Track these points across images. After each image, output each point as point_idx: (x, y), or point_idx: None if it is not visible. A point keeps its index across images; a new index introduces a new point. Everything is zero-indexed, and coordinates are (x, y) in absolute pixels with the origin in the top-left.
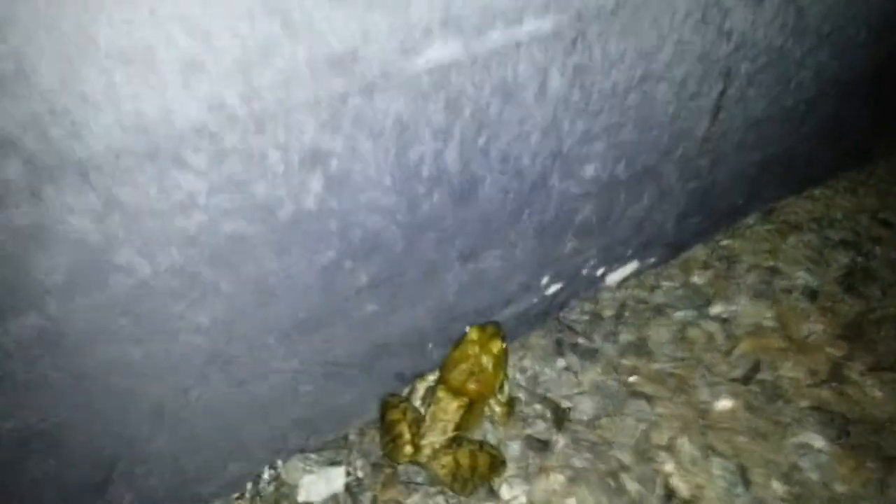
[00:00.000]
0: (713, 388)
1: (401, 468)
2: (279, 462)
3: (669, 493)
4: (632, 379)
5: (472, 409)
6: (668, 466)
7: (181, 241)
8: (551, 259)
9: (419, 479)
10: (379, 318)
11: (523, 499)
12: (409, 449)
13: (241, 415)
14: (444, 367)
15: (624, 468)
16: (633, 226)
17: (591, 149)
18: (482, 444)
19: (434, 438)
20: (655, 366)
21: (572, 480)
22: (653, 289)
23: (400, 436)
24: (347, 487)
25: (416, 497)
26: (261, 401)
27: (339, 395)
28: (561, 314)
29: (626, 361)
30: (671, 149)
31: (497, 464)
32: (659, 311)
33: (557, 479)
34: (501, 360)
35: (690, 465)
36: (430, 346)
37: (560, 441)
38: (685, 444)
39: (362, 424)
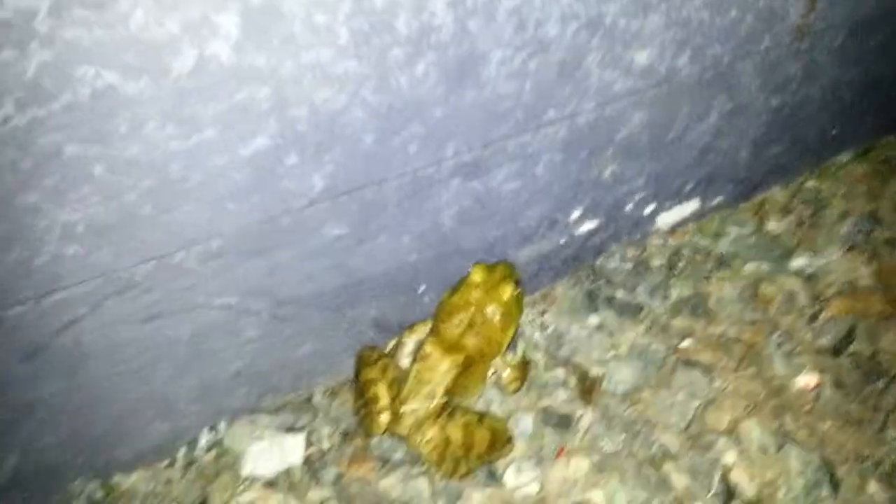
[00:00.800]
0: (792, 359)
1: (375, 441)
2: (221, 424)
3: (729, 491)
4: (684, 344)
5: (470, 370)
6: (729, 456)
7: None
8: (585, 185)
9: (397, 455)
10: (347, 245)
11: (533, 487)
12: (385, 417)
13: (158, 361)
14: (436, 315)
15: (669, 456)
16: (696, 151)
17: (645, 24)
18: (482, 417)
19: (417, 405)
20: (716, 329)
21: (599, 468)
22: (717, 236)
23: (375, 399)
24: (307, 461)
25: (391, 478)
26: (185, 344)
27: (299, 345)
28: (596, 261)
29: (678, 322)
30: (754, 38)
31: (501, 441)
32: (724, 262)
33: (580, 466)
34: (513, 311)
35: (759, 455)
36: (422, 288)
37: (587, 417)
38: (753, 429)
39: (334, 384)
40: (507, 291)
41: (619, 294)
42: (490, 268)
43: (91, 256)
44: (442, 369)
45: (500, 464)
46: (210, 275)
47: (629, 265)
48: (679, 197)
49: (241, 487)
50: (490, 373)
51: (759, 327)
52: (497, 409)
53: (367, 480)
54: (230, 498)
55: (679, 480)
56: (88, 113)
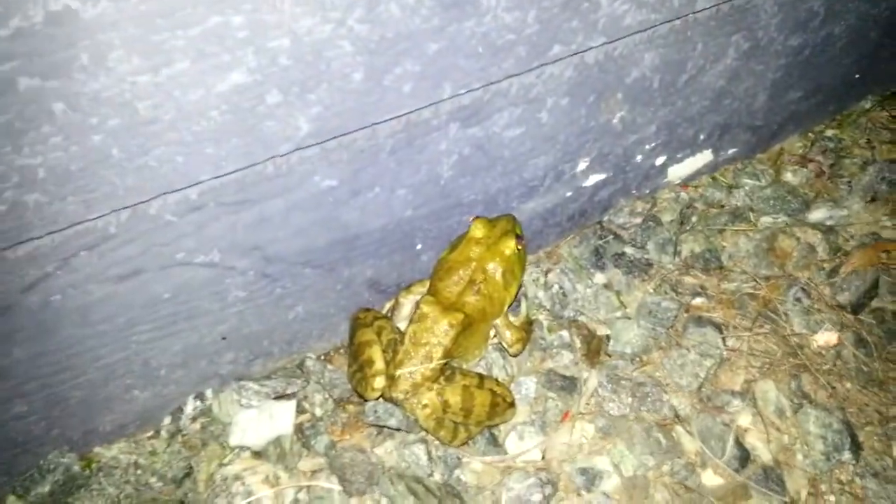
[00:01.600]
0: (810, 316)
1: (370, 406)
2: (208, 392)
3: (744, 456)
4: (696, 301)
5: (470, 330)
6: (744, 419)
7: None
8: (593, 133)
9: (392, 422)
10: (339, 197)
11: (536, 454)
12: (380, 381)
13: (136, 322)
14: (434, 272)
15: (680, 419)
16: (711, 96)
17: None
18: (482, 379)
19: (414, 367)
20: (730, 285)
21: (606, 433)
22: (731, 188)
23: (369, 363)
24: (298, 429)
25: (387, 445)
26: (166, 305)
27: (290, 307)
28: (604, 218)
29: (690, 278)
30: None
31: (502, 406)
32: (738, 215)
33: (586, 430)
34: (515, 267)
35: (776, 418)
36: (420, 245)
37: (592, 379)
38: (769, 390)
39: (329, 349)
40: (510, 246)
41: (628, 251)
42: (492, 222)
43: (56, 205)
44: (440, 330)
45: (502, 430)
46: (190, 228)
47: (638, 220)
48: (692, 147)
49: (229, 458)
50: (491, 334)
51: (775, 283)
52: (499, 372)
53: (362, 448)
54: (217, 469)
55: (690, 444)
56: (43, 41)
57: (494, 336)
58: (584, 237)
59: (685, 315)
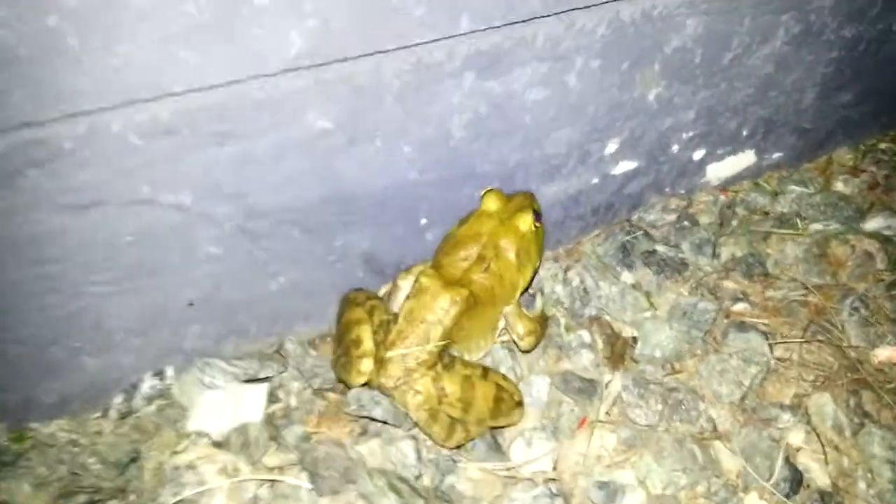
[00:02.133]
0: (870, 328)
1: (353, 394)
2: (169, 370)
3: (795, 478)
4: (738, 307)
5: (476, 313)
6: (796, 436)
7: None
8: (625, 108)
9: (377, 412)
10: (335, 144)
11: (546, 463)
12: (366, 363)
13: (90, 268)
14: (439, 248)
15: (718, 433)
16: (756, 84)
17: None
18: (487, 371)
19: (408, 349)
20: (776, 293)
21: (630, 444)
22: (776, 195)
23: (356, 342)
24: (269, 418)
25: (371, 444)
26: (125, 251)
27: (273, 275)
28: (634, 214)
29: (730, 283)
30: None
31: (508, 403)
32: (785, 221)
33: (606, 440)
34: (531, 248)
35: (834, 437)
36: (424, 220)
37: (616, 383)
38: (825, 405)
39: (315, 336)
40: (526, 221)
41: (660, 249)
42: (507, 196)
43: None
44: (440, 306)
45: (507, 435)
46: (159, 157)
47: (671, 217)
48: (734, 144)
49: (184, 445)
50: (500, 324)
51: (827, 292)
52: (506, 372)
53: (340, 443)
54: (169, 458)
55: (731, 462)
56: None
57: (503, 330)
58: (610, 234)
59: (724, 321)
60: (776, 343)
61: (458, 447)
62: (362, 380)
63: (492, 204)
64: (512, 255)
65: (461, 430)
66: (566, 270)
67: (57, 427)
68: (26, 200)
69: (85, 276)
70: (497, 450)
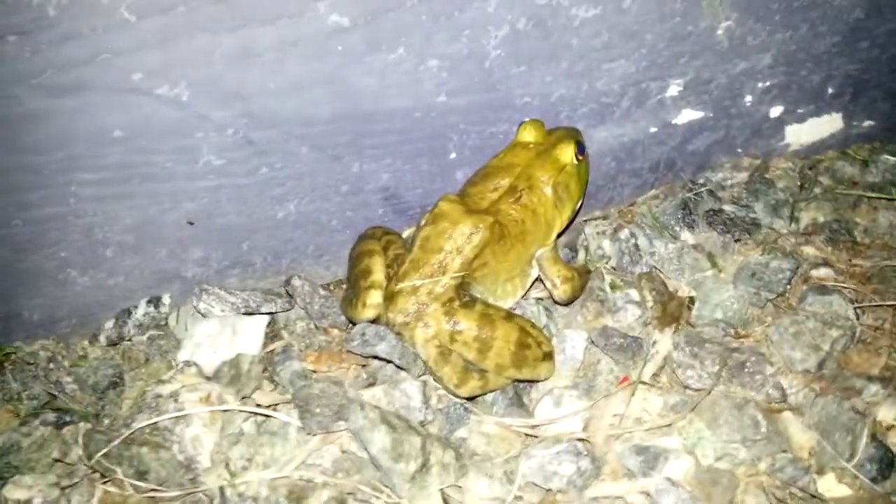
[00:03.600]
0: None
1: (357, 328)
2: (166, 298)
3: (885, 460)
4: (820, 272)
5: (502, 247)
6: (886, 412)
7: None
8: (690, 42)
9: (381, 347)
10: (352, 46)
11: (575, 423)
12: (375, 295)
13: (77, 163)
14: (469, 179)
15: (789, 404)
16: (843, 31)
17: None
18: (512, 315)
19: (421, 280)
20: (865, 262)
21: (678, 409)
22: (866, 164)
23: (366, 273)
24: (268, 355)
25: (375, 391)
26: (115, 148)
27: (281, 200)
28: (700, 177)
29: (811, 249)
30: None
31: (534, 351)
32: (877, 189)
33: (651, 403)
34: (572, 184)
35: None
36: (454, 155)
37: (665, 341)
38: None
39: (330, 280)
40: (567, 152)
41: (728, 208)
42: (548, 130)
43: None
44: (460, 234)
45: (533, 391)
46: (152, 37)
47: (742, 176)
48: (817, 103)
49: (170, 374)
50: (533, 272)
51: None
52: (539, 321)
53: (339, 382)
54: (151, 387)
55: (803, 437)
56: None
57: (537, 280)
58: (669, 191)
59: (803, 286)
60: (865, 307)
61: (474, 398)
62: (369, 314)
63: (529, 134)
64: (548, 189)
65: (478, 378)
66: (616, 229)
67: (40, 346)
68: (5, 73)
69: (68, 173)
70: (520, 406)
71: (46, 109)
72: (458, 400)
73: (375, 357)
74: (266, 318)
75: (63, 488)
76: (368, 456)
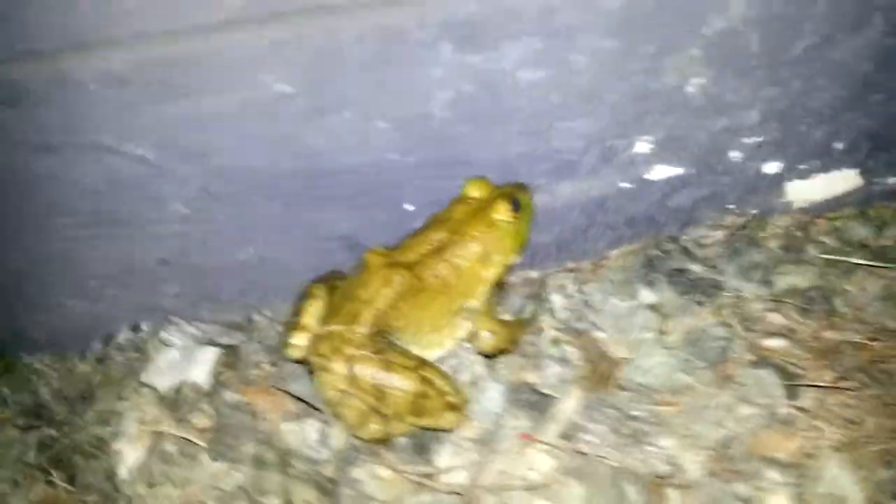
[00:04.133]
0: None
1: (289, 369)
2: (144, 326)
3: None
4: (772, 343)
5: (422, 301)
6: (776, 501)
7: None
8: (656, 100)
9: (294, 388)
10: (300, 111)
11: (461, 476)
12: (298, 337)
13: (67, 207)
14: (413, 231)
15: (678, 481)
16: (848, 84)
17: None
18: (423, 364)
19: (336, 326)
20: (835, 334)
21: (568, 472)
22: (882, 226)
23: (296, 314)
24: (215, 382)
25: (292, 424)
26: (99, 199)
27: (241, 244)
28: (684, 231)
29: (778, 317)
30: None
31: (435, 403)
32: (881, 256)
33: (542, 463)
34: (505, 242)
35: None
36: (411, 207)
37: (571, 402)
38: (837, 473)
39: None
40: (500, 210)
41: (695, 268)
42: (497, 186)
43: None
44: (373, 286)
45: (443, 438)
46: (117, 106)
47: (720, 234)
48: (823, 158)
49: (129, 393)
50: (462, 319)
51: None
52: (466, 373)
53: (263, 415)
54: (113, 403)
55: None
56: None
57: (466, 324)
58: (643, 248)
59: (748, 356)
60: (799, 386)
61: (378, 441)
62: (294, 353)
63: (472, 190)
64: (475, 245)
65: (378, 421)
66: (581, 285)
67: (38, 360)
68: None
69: (51, 217)
70: (421, 452)
71: (28, 164)
72: (359, 443)
73: (290, 394)
74: (216, 351)
75: (16, 483)
76: None
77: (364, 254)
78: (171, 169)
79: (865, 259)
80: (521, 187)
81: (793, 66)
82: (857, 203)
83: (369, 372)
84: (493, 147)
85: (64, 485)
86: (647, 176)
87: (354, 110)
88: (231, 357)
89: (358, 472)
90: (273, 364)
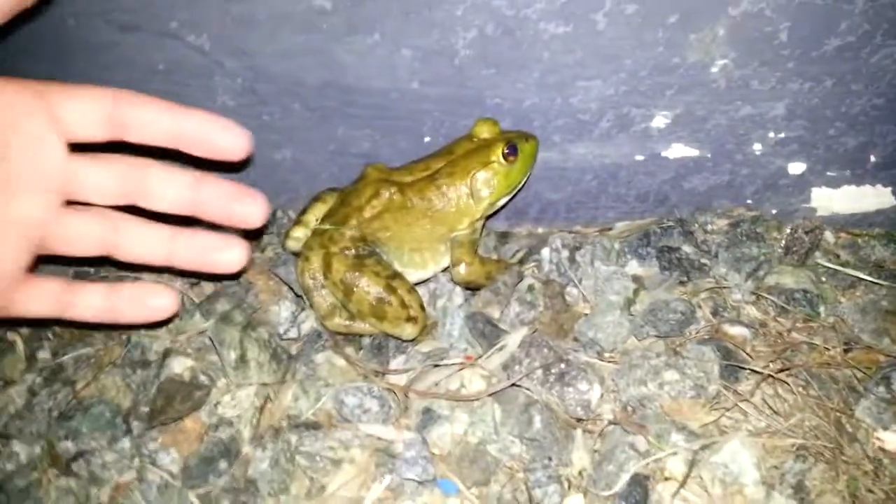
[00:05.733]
0: (891, 410)
1: (286, 258)
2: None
3: (638, 502)
4: (735, 330)
5: (410, 220)
6: (674, 465)
7: None
8: (676, 75)
9: (280, 271)
10: (333, 27)
11: (401, 379)
12: (298, 231)
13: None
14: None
15: (586, 423)
16: (888, 93)
17: None
18: (395, 276)
19: (328, 226)
20: (801, 335)
21: (492, 392)
22: None
23: (302, 212)
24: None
25: (272, 303)
26: (159, 76)
27: (278, 145)
28: (696, 215)
29: (754, 310)
30: None
31: (395, 311)
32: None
33: (472, 381)
34: (495, 182)
35: (728, 490)
36: (428, 138)
37: (516, 337)
38: (743, 455)
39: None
40: (496, 151)
41: (687, 249)
42: (505, 131)
43: None
44: (363, 194)
45: (397, 346)
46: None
47: (725, 223)
48: (853, 168)
49: None
50: (443, 246)
51: (869, 354)
52: (438, 297)
53: (256, 293)
54: None
55: (582, 456)
56: None
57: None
58: (641, 226)
59: (705, 336)
60: (739, 369)
61: (342, 334)
62: (292, 245)
63: (480, 130)
64: (467, 179)
65: (344, 316)
66: (576, 245)
67: None
68: (88, 7)
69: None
70: (379, 353)
71: (113, 41)
72: (321, 328)
73: (279, 278)
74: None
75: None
76: None
77: (365, 167)
78: (221, 61)
79: (872, 277)
80: (527, 136)
81: (825, 63)
82: (888, 224)
83: (341, 268)
84: (509, 93)
85: None
86: (663, 153)
87: (383, 34)
88: (254, 247)
89: (317, 357)
90: (276, 253)
